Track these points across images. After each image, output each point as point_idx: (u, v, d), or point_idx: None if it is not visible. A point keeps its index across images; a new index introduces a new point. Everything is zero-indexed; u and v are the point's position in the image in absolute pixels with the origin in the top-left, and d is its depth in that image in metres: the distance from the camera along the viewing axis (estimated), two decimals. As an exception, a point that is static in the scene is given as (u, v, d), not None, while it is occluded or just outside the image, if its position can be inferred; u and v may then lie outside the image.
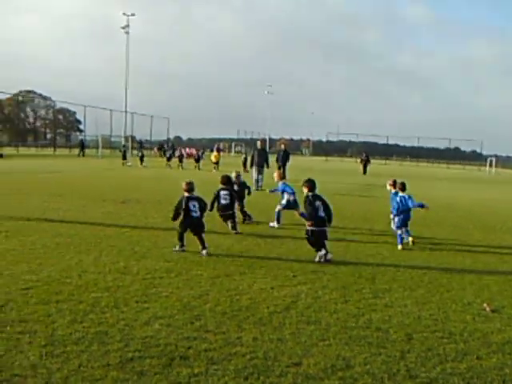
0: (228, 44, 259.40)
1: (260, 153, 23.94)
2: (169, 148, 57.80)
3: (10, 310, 5.66)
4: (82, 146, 64.93)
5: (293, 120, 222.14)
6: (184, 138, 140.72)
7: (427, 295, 7.12)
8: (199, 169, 39.22)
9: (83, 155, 61.61)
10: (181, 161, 41.51)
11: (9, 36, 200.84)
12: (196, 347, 4.88)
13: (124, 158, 43.39)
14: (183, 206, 9.25)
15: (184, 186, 9.47)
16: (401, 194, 11.23)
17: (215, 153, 41.66)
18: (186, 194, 9.41)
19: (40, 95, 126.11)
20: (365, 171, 43.96)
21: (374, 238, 11.51)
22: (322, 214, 9.32)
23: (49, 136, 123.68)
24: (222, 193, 11.77)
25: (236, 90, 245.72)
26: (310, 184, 9.56)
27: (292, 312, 6.07)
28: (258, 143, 25.13)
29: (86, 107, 77.59)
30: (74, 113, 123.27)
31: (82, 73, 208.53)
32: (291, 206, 12.62)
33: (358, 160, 54.63)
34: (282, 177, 13.32)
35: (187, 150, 65.06)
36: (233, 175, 13.13)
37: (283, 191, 12.96)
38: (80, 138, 72.91)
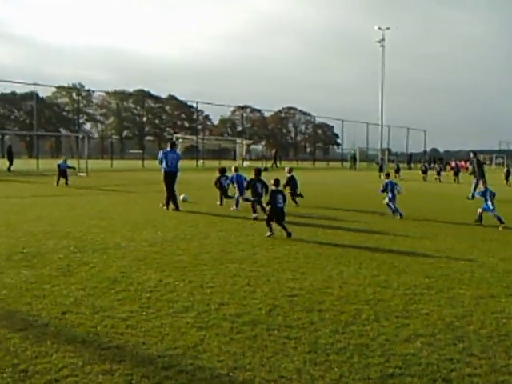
0: (483, 50, 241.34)
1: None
2: (435, 161, 56.94)
3: (276, 315, 5.99)
4: (354, 159, 67.28)
5: None
6: (441, 150, 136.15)
7: None
8: (458, 182, 37.65)
9: (355, 168, 63.68)
10: (438, 174, 40.46)
11: (271, 56, 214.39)
12: (459, 370, 4.65)
13: (381, 170, 43.54)
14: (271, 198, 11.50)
15: (272, 181, 11.86)
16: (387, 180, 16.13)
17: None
18: (273, 188, 11.70)
19: (300, 111, 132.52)
20: None
21: None
22: (259, 191, 14.34)
23: (308, 150, 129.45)
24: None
25: (498, 99, 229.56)
26: (256, 172, 14.70)
27: None
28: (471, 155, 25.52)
29: (344, 121, 79.77)
30: (332, 127, 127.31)
31: (337, 88, 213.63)
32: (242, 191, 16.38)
33: None
34: None
35: (453, 163, 62.70)
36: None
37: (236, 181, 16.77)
38: (352, 151, 75.26)
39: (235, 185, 16.83)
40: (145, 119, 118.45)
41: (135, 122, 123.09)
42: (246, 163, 62.13)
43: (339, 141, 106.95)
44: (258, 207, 14.58)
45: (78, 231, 11.43)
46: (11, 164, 38.61)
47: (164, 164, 16.41)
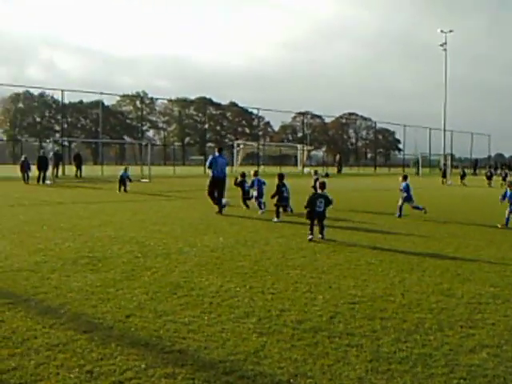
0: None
1: None
2: (502, 167, 55.51)
3: (337, 322, 5.95)
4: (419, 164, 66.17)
5: None
6: (506, 155, 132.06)
7: None
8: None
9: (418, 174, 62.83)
10: (504, 179, 39.43)
11: (331, 62, 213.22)
12: (527, 383, 4.51)
13: (444, 176, 42.72)
14: (312, 201, 11.86)
15: (318, 184, 12.45)
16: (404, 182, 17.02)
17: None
18: (319, 191, 12.15)
19: (361, 117, 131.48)
20: None
21: None
22: (285, 195, 15.66)
23: (369, 155, 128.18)
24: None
25: None
26: (280, 176, 15.96)
27: None
28: None
29: (405, 126, 78.58)
30: (393, 132, 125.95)
31: (397, 92, 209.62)
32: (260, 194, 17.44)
33: None
34: None
35: None
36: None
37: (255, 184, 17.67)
38: (414, 157, 73.87)
39: (255, 188, 17.64)
40: (206, 126, 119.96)
41: (197, 128, 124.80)
42: (307, 169, 61.90)
43: (400, 146, 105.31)
44: (282, 211, 15.61)
45: (142, 236, 11.68)
46: (81, 170, 39.68)
47: (213, 169, 16.87)
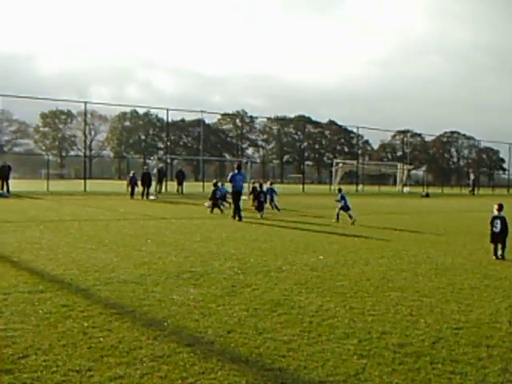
0: None
1: None
2: None
3: (441, 347, 5.78)
4: None
5: None
6: None
7: None
8: None
9: None
10: None
11: (429, 78, 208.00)
12: None
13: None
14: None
15: (496, 206, 12.22)
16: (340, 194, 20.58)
17: None
18: (496, 214, 12.19)
19: (464, 135, 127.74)
20: None
21: None
22: (262, 199, 22.67)
23: (472, 176, 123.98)
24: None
25: None
26: (260, 184, 22.91)
27: None
28: None
29: (511, 145, 75.51)
30: (497, 151, 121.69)
31: (502, 109, 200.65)
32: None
33: None
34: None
35: None
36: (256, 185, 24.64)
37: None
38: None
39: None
40: (305, 144, 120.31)
41: (295, 147, 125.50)
42: (407, 189, 60.68)
43: (505, 166, 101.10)
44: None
45: (242, 253, 11.86)
46: (182, 187, 40.75)
47: (233, 184, 20.90)
